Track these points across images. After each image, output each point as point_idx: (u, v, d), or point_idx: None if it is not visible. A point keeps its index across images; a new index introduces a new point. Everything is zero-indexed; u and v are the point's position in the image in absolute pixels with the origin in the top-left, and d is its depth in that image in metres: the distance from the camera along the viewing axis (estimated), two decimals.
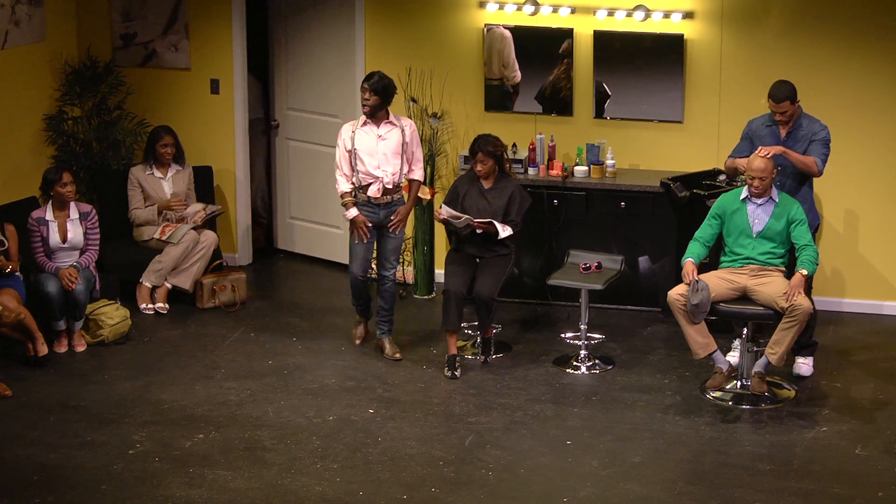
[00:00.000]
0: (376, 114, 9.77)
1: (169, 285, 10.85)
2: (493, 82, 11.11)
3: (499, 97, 11.12)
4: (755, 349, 9.22)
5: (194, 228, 10.91)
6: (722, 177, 10.25)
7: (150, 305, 10.83)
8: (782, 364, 9.20)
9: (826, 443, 8.62)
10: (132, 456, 8.42)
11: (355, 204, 9.83)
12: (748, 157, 9.54)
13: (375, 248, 10.02)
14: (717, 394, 9.25)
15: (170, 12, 11.56)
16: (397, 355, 9.95)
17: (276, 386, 9.46)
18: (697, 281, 8.98)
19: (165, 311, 10.79)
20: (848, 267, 10.76)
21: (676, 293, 9.05)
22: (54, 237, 10.08)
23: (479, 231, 9.66)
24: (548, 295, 10.84)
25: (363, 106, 9.77)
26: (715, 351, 9.12)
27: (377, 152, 9.76)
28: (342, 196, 9.87)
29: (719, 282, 9.13)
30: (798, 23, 10.51)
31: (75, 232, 10.14)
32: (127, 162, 11.40)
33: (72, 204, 10.17)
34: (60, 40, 11.47)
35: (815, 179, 9.60)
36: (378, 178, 9.78)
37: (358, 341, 10.20)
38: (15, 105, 11.05)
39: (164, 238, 10.86)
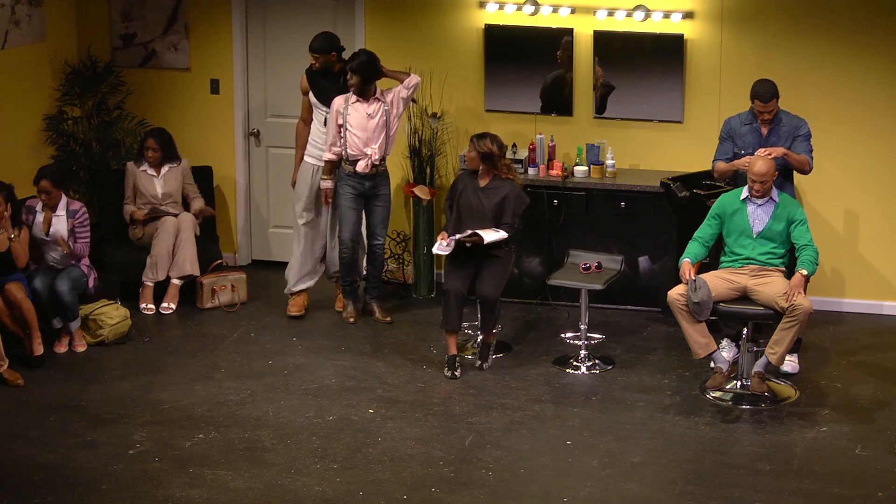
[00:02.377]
0: (363, 92, 10.09)
1: (177, 282, 10.82)
2: None
3: None
4: (755, 349, 9.23)
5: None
6: None
7: (151, 305, 10.82)
8: (782, 364, 9.21)
9: (826, 443, 8.61)
10: (132, 456, 8.42)
11: (332, 174, 10.27)
12: (732, 158, 9.54)
13: (364, 218, 10.43)
14: (717, 394, 9.25)
15: (169, 12, 11.56)
16: (388, 318, 10.39)
17: (276, 386, 9.46)
18: (695, 280, 8.98)
19: (171, 312, 10.76)
20: (848, 267, 10.75)
21: (676, 293, 9.05)
22: (38, 228, 10.05)
23: (468, 245, 9.64)
24: (548, 295, 10.84)
25: (349, 85, 10.11)
26: (715, 351, 9.12)
27: (367, 129, 10.07)
28: (325, 162, 10.26)
29: (719, 282, 9.12)
30: (798, 23, 10.50)
31: (59, 227, 10.06)
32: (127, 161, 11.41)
33: (63, 199, 10.12)
34: (60, 40, 11.47)
35: (795, 174, 9.61)
36: (367, 155, 10.11)
37: (351, 319, 10.41)
38: (15, 105, 11.04)
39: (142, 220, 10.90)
